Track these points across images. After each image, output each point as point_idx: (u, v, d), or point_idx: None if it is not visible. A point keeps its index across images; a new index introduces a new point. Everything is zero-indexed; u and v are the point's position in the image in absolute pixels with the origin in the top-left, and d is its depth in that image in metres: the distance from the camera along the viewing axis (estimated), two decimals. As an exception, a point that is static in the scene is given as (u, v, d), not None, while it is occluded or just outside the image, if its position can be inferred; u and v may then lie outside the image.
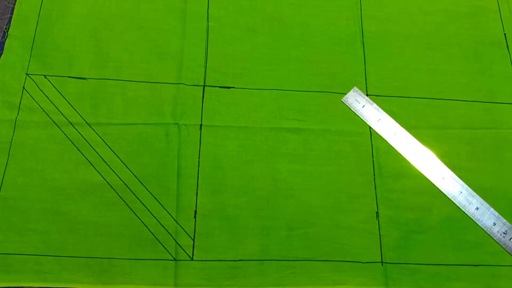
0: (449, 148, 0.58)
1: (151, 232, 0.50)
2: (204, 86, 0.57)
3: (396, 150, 0.57)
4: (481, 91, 0.61)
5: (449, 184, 0.56)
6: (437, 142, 0.58)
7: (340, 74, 0.60)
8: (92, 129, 0.54)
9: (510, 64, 0.63)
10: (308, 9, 0.64)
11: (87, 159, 0.53)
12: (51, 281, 0.48)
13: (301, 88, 0.59)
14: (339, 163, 0.56)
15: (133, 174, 0.52)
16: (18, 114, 0.54)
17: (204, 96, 0.57)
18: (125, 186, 0.52)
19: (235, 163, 0.54)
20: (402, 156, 0.57)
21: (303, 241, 0.52)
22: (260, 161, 0.55)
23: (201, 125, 0.55)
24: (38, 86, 0.55)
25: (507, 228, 0.54)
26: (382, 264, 0.51)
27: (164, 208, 0.51)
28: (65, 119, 0.54)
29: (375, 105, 0.59)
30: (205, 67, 0.58)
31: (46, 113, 0.54)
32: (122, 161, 0.53)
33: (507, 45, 0.64)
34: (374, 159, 0.56)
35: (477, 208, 0.55)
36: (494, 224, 0.54)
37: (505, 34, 0.65)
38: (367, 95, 0.59)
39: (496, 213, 0.55)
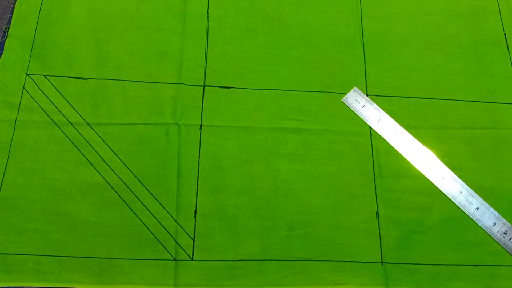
0: (449, 148, 0.58)
1: (151, 232, 0.50)
2: (204, 86, 0.57)
3: (396, 150, 0.57)
4: (481, 91, 0.61)
5: (449, 184, 0.56)
6: (437, 142, 0.58)
7: (340, 74, 0.60)
8: (92, 129, 0.54)
9: (510, 64, 0.63)
10: (308, 9, 0.63)
11: (87, 159, 0.53)
12: (51, 281, 0.48)
13: (301, 88, 0.59)
14: (339, 163, 0.56)
15: (133, 174, 0.52)
16: (18, 114, 0.54)
17: (204, 96, 0.57)
18: (125, 186, 0.52)
19: (235, 163, 0.54)
20: (402, 156, 0.57)
21: (303, 241, 0.52)
22: (260, 161, 0.55)
23: (201, 125, 0.55)
24: (38, 86, 0.55)
25: (507, 228, 0.54)
26: (382, 264, 0.51)
27: (164, 208, 0.51)
28: (65, 119, 0.54)
29: (375, 105, 0.59)
30: (205, 67, 0.58)
31: (46, 113, 0.54)
32: (122, 161, 0.53)
33: (507, 45, 0.64)
34: (374, 159, 0.56)
35: (477, 208, 0.55)
36: (494, 224, 0.54)
37: (505, 34, 0.65)
38: (367, 95, 0.59)
39: (496, 213, 0.55)
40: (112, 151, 0.53)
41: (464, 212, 0.55)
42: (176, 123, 0.55)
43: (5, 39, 0.57)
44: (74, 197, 0.51)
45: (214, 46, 0.60)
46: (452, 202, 0.55)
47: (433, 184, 0.56)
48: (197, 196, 0.52)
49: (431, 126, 0.58)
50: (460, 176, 0.56)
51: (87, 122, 0.54)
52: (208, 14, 0.61)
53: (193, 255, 0.50)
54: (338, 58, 0.61)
